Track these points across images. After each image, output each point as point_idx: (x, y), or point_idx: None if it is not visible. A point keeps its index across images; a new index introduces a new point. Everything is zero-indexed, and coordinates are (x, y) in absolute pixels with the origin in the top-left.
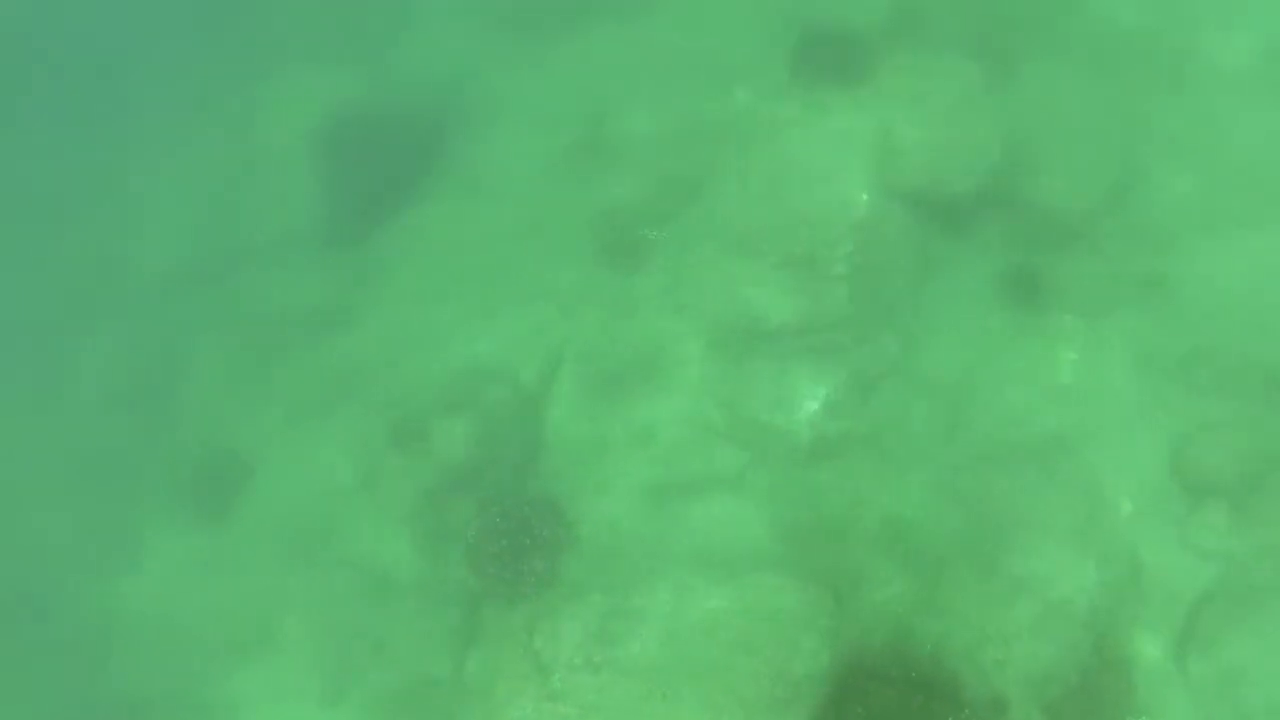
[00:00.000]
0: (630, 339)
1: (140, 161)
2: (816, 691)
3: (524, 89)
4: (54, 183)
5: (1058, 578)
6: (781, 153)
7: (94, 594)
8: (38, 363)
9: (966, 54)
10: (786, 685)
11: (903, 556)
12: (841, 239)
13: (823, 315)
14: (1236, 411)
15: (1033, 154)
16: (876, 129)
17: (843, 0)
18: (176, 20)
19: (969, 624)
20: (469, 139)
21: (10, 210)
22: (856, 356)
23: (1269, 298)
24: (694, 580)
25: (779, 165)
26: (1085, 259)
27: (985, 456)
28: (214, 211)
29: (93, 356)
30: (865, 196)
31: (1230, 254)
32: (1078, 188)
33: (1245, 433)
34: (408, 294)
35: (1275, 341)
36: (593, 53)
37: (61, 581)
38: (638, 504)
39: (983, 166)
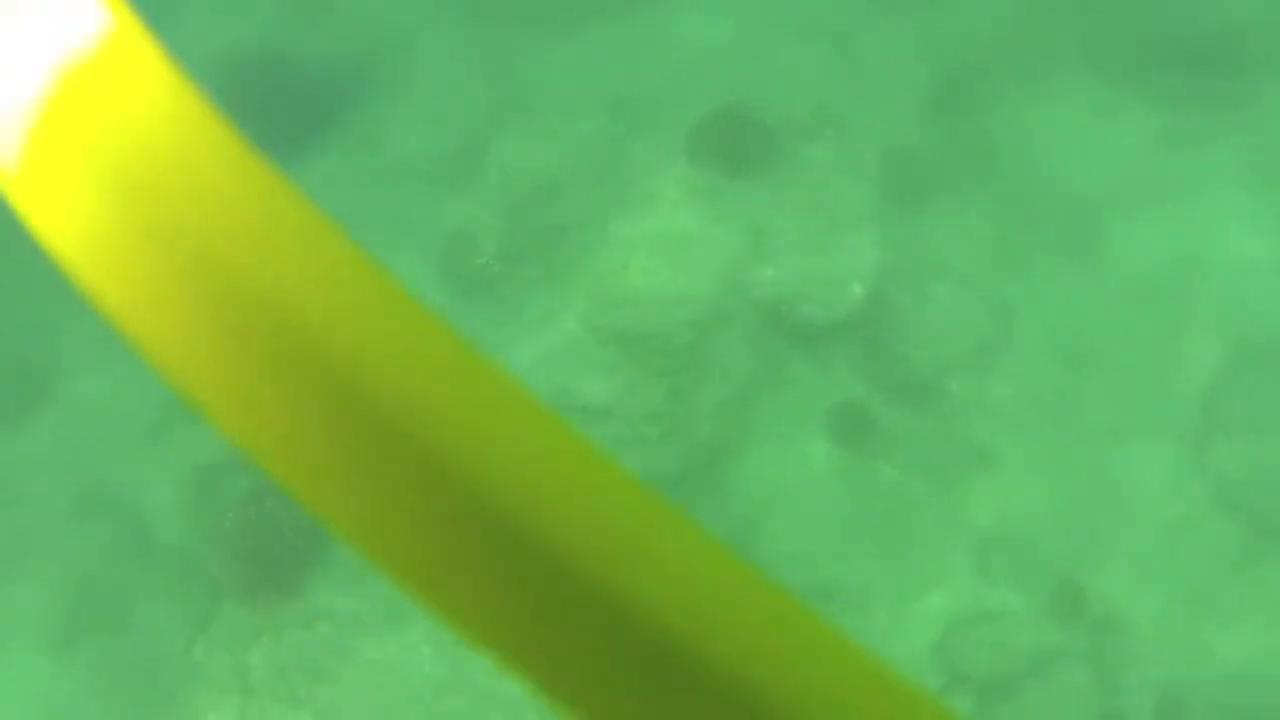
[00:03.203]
0: None
1: None
2: None
3: None
4: None
5: None
6: (648, 227)
7: None
8: None
9: (866, 177)
10: None
11: None
12: (677, 332)
13: (634, 405)
14: None
15: (908, 297)
16: (750, 227)
17: (776, 84)
18: None
19: None
20: None
21: None
22: (655, 454)
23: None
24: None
25: (638, 234)
26: (922, 418)
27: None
28: None
29: None
30: (709, 293)
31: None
32: (940, 341)
33: None
34: None
35: None
36: None
37: None
38: None
39: (848, 299)
